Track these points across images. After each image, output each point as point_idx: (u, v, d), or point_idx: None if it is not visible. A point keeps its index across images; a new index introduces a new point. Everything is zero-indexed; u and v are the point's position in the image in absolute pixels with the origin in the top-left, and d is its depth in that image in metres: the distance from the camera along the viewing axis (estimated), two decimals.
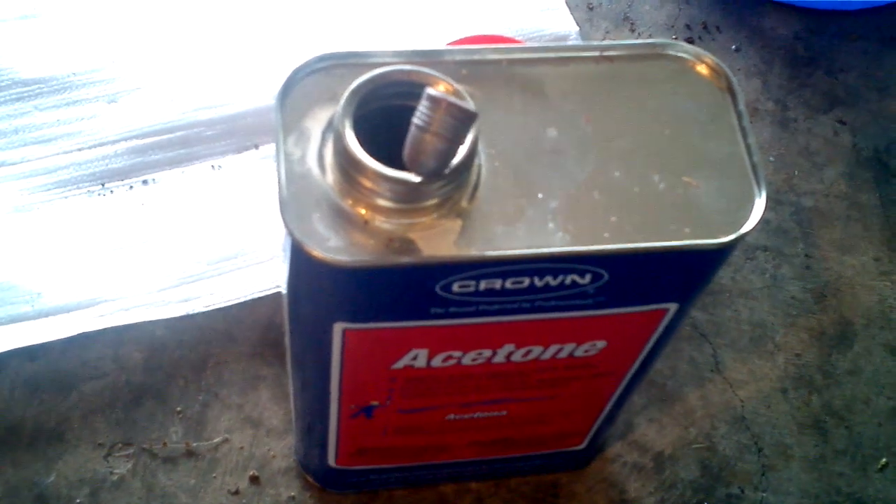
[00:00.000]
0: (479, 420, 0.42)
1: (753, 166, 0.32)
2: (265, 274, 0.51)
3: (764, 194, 0.32)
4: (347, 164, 0.30)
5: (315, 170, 0.31)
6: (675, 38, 0.63)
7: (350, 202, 0.30)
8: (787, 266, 0.56)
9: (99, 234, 0.52)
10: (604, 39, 0.64)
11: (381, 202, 0.30)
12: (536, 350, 0.36)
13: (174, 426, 0.49)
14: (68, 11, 0.59)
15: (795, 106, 0.62)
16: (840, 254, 0.57)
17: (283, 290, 0.35)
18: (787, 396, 0.52)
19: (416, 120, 0.28)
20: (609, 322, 0.35)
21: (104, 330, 0.49)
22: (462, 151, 0.29)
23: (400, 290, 0.32)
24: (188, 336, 0.51)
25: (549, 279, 0.31)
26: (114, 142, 0.54)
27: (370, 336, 0.34)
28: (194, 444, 0.49)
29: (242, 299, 0.50)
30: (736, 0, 0.66)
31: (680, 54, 0.34)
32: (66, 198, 0.53)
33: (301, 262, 0.30)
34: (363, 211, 0.30)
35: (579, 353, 0.37)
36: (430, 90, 0.28)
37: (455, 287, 0.31)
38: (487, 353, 0.36)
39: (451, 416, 0.41)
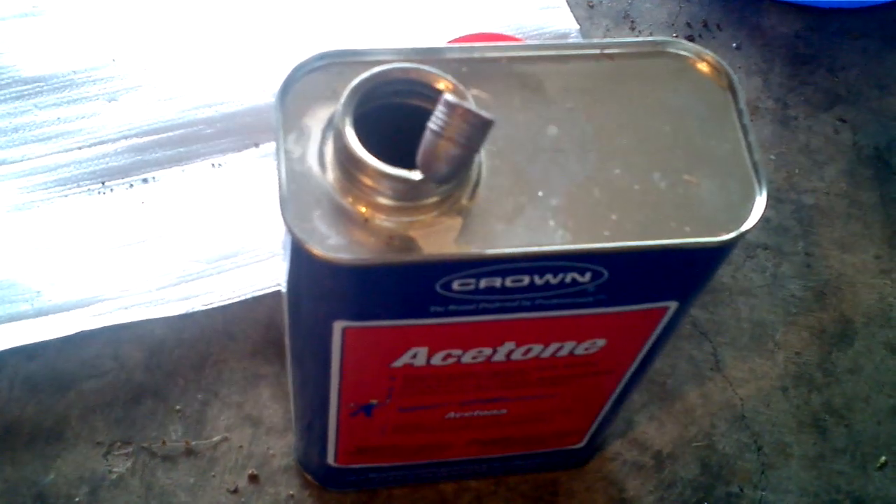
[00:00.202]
0: (479, 418, 0.42)
1: (754, 164, 0.32)
2: (265, 272, 0.51)
3: (764, 192, 0.32)
4: (348, 162, 0.30)
5: (315, 168, 0.31)
6: (676, 36, 0.63)
7: (350, 200, 0.30)
8: (788, 264, 0.56)
9: (99, 232, 0.52)
10: (604, 37, 0.64)
11: (382, 200, 0.30)
12: (536, 348, 0.36)
13: (173, 425, 0.49)
14: (68, 10, 0.59)
15: (796, 104, 0.62)
16: (841, 252, 0.57)
17: (283, 288, 0.35)
18: (787, 395, 0.52)
19: (432, 125, 0.28)
20: (609, 320, 0.35)
21: (103, 328, 0.49)
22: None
23: (400, 289, 0.32)
24: (188, 334, 0.51)
25: (549, 277, 0.31)
26: (114, 140, 0.54)
27: (370, 334, 0.34)
28: (194, 443, 0.49)
29: (242, 298, 0.50)
30: None
31: (680, 52, 0.34)
32: (65, 196, 0.53)
33: (301, 260, 0.30)
34: (363, 209, 0.30)
35: (579, 351, 0.37)
36: (448, 96, 0.28)
37: (455, 285, 0.31)
38: (487, 351, 0.36)
39: (451, 415, 0.41)
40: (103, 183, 0.53)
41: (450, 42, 0.55)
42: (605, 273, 0.32)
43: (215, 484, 0.48)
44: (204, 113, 0.55)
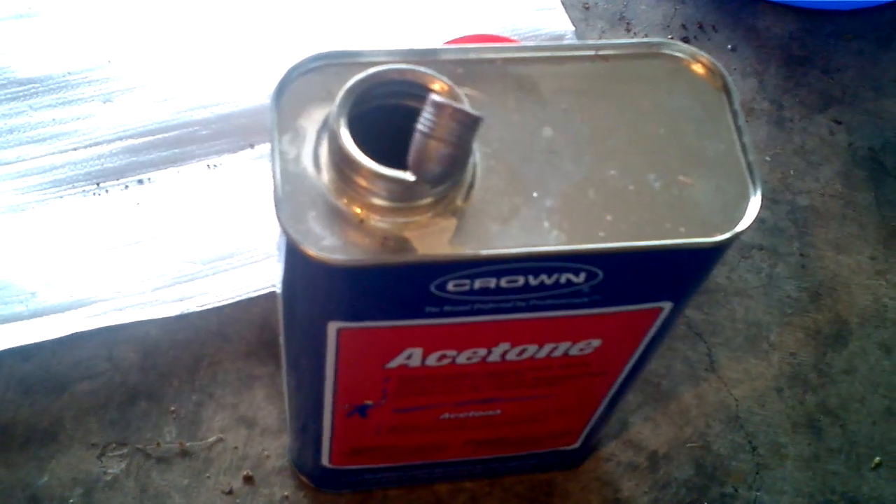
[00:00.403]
0: (474, 419, 0.42)
1: (749, 165, 0.32)
2: (260, 273, 0.51)
3: (759, 193, 0.32)
4: (342, 163, 0.30)
5: (310, 169, 0.31)
6: (671, 38, 0.63)
7: (345, 201, 0.30)
8: (783, 265, 0.56)
9: (93, 233, 0.52)
10: (599, 39, 0.64)
11: (377, 201, 0.30)
12: (531, 349, 0.36)
13: (168, 426, 0.49)
14: (64, 11, 0.59)
15: (791, 105, 0.62)
16: (835, 253, 0.57)
17: (278, 289, 0.35)
18: (782, 395, 0.52)
19: (421, 126, 0.28)
20: (604, 321, 0.35)
21: (98, 330, 0.49)
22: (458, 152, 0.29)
23: (395, 289, 0.32)
24: (182, 336, 0.51)
25: (543, 278, 0.31)
26: (109, 141, 0.54)
27: (365, 335, 0.34)
28: (188, 444, 0.49)
29: (237, 299, 0.50)
30: (731, 0, 0.66)
31: (676, 54, 0.34)
32: (60, 197, 0.53)
33: (296, 260, 0.30)
34: (358, 210, 0.30)
35: (574, 351, 0.37)
36: (434, 96, 0.28)
37: (450, 286, 0.31)
38: (482, 351, 0.36)
39: (446, 416, 0.41)
40: (98, 184, 0.53)
41: (445, 43, 0.55)
42: (600, 274, 0.32)
43: (210, 485, 0.48)
44: (199, 114, 0.55)
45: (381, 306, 0.32)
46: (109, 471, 0.48)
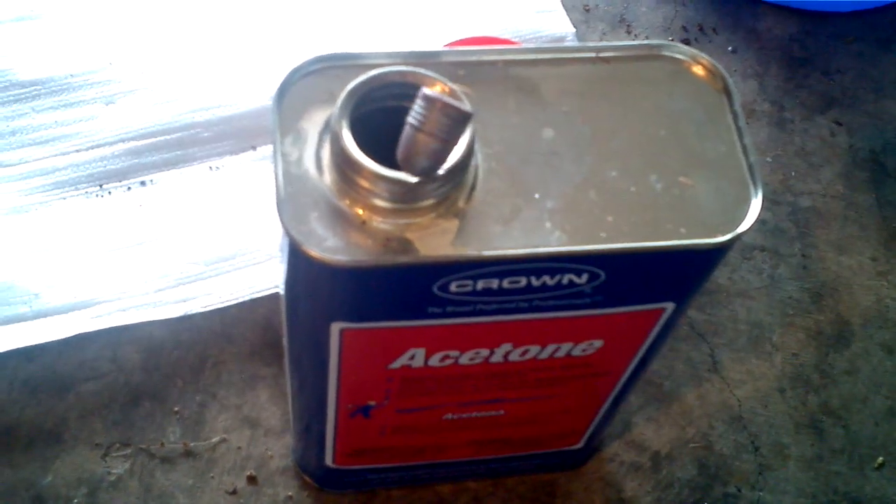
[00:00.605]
0: (477, 420, 0.42)
1: (750, 166, 0.32)
2: (263, 274, 0.51)
3: (760, 194, 0.32)
4: (344, 165, 0.30)
5: (312, 170, 0.31)
6: (672, 40, 0.63)
7: (347, 202, 0.30)
8: (785, 266, 0.56)
9: (96, 235, 0.52)
10: (600, 41, 0.64)
11: (379, 202, 0.30)
12: (534, 349, 0.36)
13: (172, 426, 0.49)
14: (66, 13, 0.59)
15: (792, 107, 0.62)
16: (837, 254, 0.57)
17: (281, 290, 0.35)
18: (785, 396, 0.53)
19: (411, 119, 0.28)
20: (606, 321, 0.35)
21: (102, 331, 0.49)
22: (459, 152, 0.29)
23: (397, 290, 0.32)
24: (186, 336, 0.51)
25: (545, 279, 0.32)
26: (111, 143, 0.54)
27: (368, 336, 0.34)
28: (192, 445, 0.49)
29: (240, 300, 0.51)
30: (732, 2, 0.66)
31: (676, 55, 0.34)
32: (63, 199, 0.53)
33: (299, 262, 0.30)
34: (360, 211, 0.30)
35: (576, 352, 0.37)
36: (425, 90, 0.28)
37: (452, 287, 0.31)
38: (485, 352, 0.36)
39: (449, 416, 0.41)
40: (101, 186, 0.53)
41: (447, 45, 0.55)
42: (602, 274, 0.32)
43: (214, 485, 0.48)
44: (201, 116, 0.56)
45: (384, 307, 0.32)
46: (113, 471, 0.48)
